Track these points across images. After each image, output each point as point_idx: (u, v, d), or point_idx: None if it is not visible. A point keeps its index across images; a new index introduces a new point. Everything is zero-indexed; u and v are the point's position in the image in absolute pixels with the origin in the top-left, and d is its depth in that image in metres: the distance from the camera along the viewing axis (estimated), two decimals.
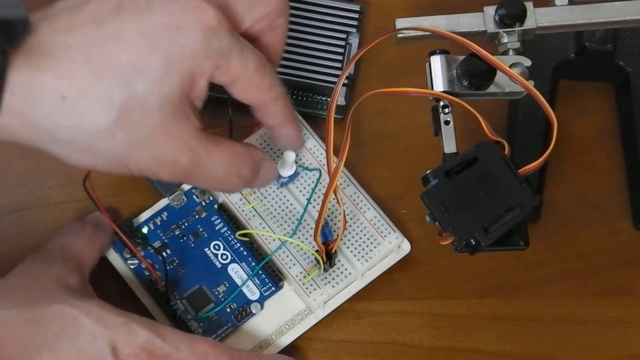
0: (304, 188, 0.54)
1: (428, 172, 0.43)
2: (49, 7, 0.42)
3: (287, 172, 0.53)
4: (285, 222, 0.53)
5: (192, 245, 0.53)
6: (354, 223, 0.53)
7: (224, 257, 0.53)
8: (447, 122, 0.46)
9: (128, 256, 0.52)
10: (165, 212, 0.54)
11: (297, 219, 0.53)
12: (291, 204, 0.54)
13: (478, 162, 0.43)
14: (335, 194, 0.49)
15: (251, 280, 0.52)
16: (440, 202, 0.43)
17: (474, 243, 0.43)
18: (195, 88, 0.43)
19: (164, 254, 0.52)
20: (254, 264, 0.52)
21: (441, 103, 0.46)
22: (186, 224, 0.54)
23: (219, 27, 0.42)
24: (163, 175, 0.44)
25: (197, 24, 0.42)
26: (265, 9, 0.46)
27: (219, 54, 0.43)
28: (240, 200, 0.54)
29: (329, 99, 0.57)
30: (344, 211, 0.51)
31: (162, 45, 0.41)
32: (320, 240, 0.50)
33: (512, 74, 0.45)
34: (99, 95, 0.40)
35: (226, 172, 0.45)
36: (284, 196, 0.54)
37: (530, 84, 0.45)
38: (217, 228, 0.53)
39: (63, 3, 0.42)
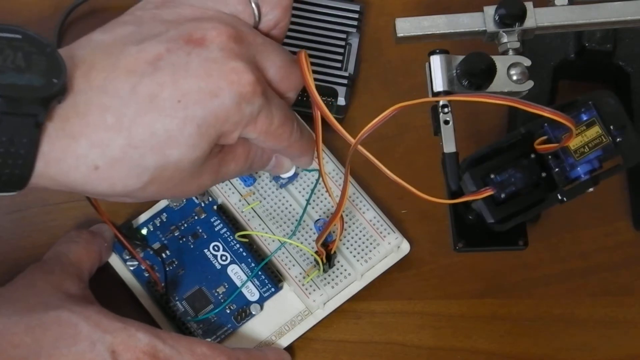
0: (303, 189, 0.54)
1: (492, 175, 0.43)
2: (86, 41, 0.41)
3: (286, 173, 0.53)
4: (285, 223, 0.53)
5: (192, 247, 0.53)
6: (354, 224, 0.53)
7: (224, 258, 0.53)
8: (446, 122, 0.45)
9: (127, 257, 0.52)
10: (164, 213, 0.54)
11: (296, 220, 0.53)
12: (290, 205, 0.53)
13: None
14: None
15: (251, 281, 0.52)
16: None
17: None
18: (224, 141, 0.43)
19: (163, 255, 0.53)
20: (253, 265, 0.52)
21: (440, 103, 0.46)
22: (185, 225, 0.54)
23: (253, 94, 0.42)
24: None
25: (233, 91, 0.41)
26: (281, 59, 0.45)
27: (250, 117, 0.42)
28: (240, 201, 0.53)
29: (329, 99, 0.56)
30: (342, 214, 0.51)
31: (196, 114, 0.41)
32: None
33: (557, 115, 0.44)
34: (132, 164, 0.40)
35: (240, 171, 0.46)
36: (283, 197, 0.54)
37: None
38: (216, 229, 0.53)
39: (98, 37, 0.42)
